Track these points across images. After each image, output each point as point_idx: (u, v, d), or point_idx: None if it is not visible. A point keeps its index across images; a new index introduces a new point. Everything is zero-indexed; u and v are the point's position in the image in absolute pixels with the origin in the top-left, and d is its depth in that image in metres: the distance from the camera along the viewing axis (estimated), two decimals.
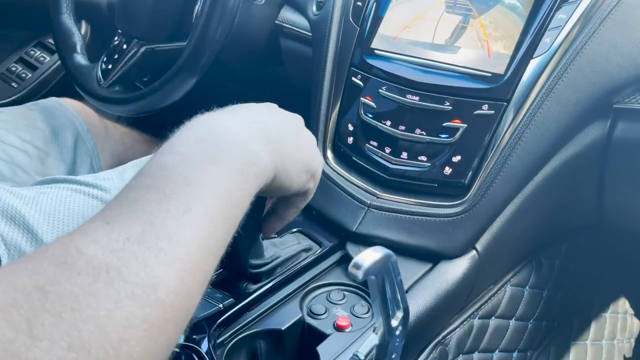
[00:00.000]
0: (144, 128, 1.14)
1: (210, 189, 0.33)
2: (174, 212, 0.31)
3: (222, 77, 1.15)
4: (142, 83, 0.96)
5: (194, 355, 0.50)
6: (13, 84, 1.31)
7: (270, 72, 1.03)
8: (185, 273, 0.30)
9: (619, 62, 0.61)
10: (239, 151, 0.36)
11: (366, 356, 0.48)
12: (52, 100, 0.96)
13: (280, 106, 0.50)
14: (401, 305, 0.43)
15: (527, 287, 0.82)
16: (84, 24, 1.22)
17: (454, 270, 0.64)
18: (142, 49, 0.87)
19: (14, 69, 1.32)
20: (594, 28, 0.61)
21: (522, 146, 0.63)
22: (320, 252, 0.67)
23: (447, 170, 0.66)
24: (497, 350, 0.80)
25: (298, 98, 1.07)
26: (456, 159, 0.65)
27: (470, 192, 0.65)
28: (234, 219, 0.35)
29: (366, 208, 0.69)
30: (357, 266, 0.34)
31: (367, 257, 0.35)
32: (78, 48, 0.92)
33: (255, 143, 0.38)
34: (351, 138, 0.74)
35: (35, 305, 0.25)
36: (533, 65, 0.62)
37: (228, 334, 0.55)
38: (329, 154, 0.76)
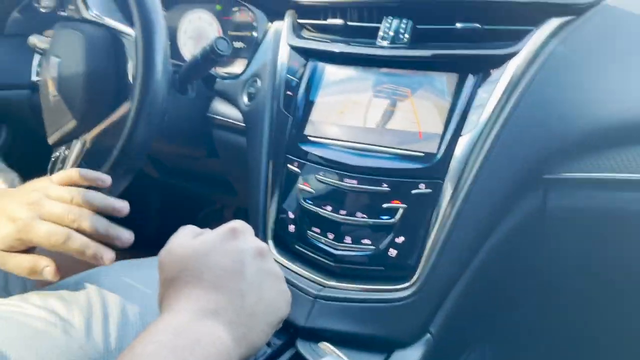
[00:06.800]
0: None
1: None
2: None
3: (157, 172, 1.12)
4: None
5: None
6: None
7: (206, 164, 1.01)
8: None
9: (543, 135, 0.63)
10: (215, 347, 0.39)
11: None
12: None
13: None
14: None
15: None
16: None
17: (410, 359, 0.61)
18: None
19: None
20: (515, 104, 0.63)
21: (463, 222, 0.63)
22: (269, 352, 0.63)
23: (392, 252, 0.65)
24: None
25: (235, 188, 1.05)
26: (400, 239, 0.64)
27: (417, 272, 0.63)
28: None
29: (313, 299, 0.66)
30: None
31: None
32: None
33: (229, 342, 0.41)
34: (292, 226, 0.72)
35: None
36: (463, 142, 0.63)
37: None
38: (271, 244, 0.74)
